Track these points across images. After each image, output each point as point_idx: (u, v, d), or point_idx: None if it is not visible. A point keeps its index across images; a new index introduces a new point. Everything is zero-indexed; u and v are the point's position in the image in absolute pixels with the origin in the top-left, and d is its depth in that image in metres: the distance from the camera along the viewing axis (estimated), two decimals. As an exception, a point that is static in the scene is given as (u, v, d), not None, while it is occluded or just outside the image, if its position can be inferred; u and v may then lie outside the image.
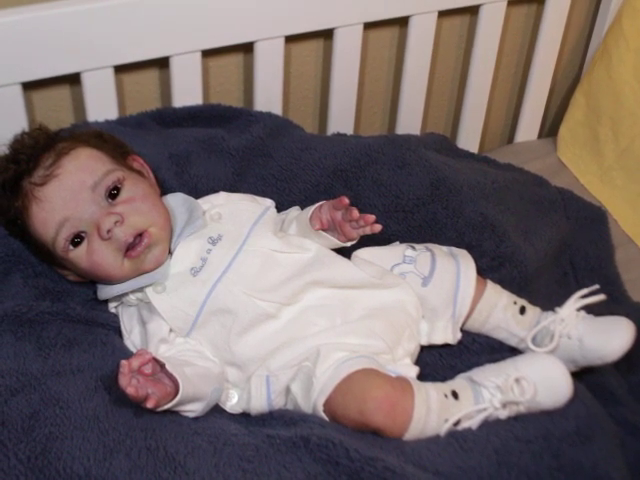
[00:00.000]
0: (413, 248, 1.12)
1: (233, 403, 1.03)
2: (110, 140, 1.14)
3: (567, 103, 1.68)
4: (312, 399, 0.97)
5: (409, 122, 1.59)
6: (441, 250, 1.14)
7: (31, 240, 1.08)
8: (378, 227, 1.07)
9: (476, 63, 1.58)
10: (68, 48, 1.21)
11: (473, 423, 0.96)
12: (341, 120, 1.52)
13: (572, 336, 1.04)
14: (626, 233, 1.48)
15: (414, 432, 0.94)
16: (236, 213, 1.12)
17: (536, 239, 1.28)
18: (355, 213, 1.05)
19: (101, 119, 1.31)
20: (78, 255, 1.04)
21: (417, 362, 1.07)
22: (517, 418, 0.97)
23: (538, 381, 0.97)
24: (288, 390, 1.01)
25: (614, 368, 1.11)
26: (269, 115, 1.36)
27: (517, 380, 0.97)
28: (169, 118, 1.34)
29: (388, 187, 1.26)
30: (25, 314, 1.02)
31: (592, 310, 1.08)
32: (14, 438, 0.88)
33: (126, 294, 1.06)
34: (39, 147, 1.07)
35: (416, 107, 1.58)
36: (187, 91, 1.36)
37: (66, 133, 1.14)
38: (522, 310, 1.10)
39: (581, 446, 0.93)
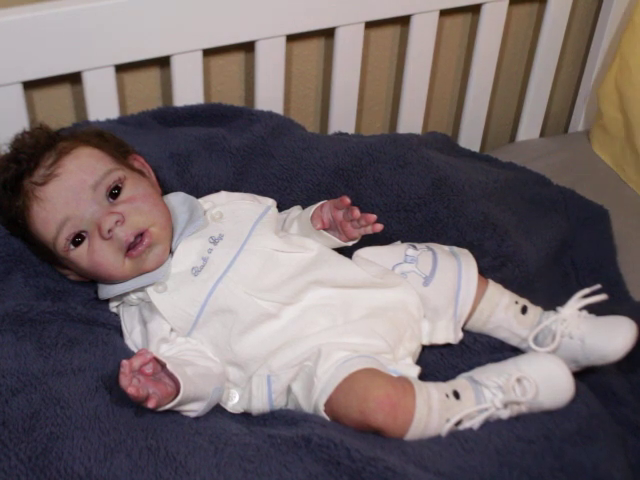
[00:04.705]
0: (414, 247, 1.12)
1: (234, 403, 1.03)
2: (111, 139, 1.13)
3: (569, 101, 1.67)
4: (313, 399, 0.97)
5: (410, 121, 1.58)
6: (442, 249, 1.14)
7: (32, 240, 1.08)
8: (379, 227, 1.07)
9: (478, 62, 1.58)
10: (69, 47, 1.21)
11: (474, 423, 0.95)
12: (342, 119, 1.52)
13: (574, 336, 1.04)
14: (629, 232, 1.47)
15: (415, 432, 0.94)
16: (237, 212, 1.11)
17: (537, 238, 1.28)
18: (356, 212, 1.05)
19: (102, 118, 1.31)
20: (79, 255, 1.04)
21: (418, 362, 1.07)
22: (519, 418, 0.96)
23: (540, 381, 0.96)
24: (289, 390, 1.01)
25: (616, 368, 1.10)
26: (270, 114, 1.36)
27: (519, 380, 0.96)
28: (170, 117, 1.34)
29: (389, 186, 1.26)
30: (26, 314, 1.02)
31: (594, 310, 1.07)
32: (15, 438, 0.88)
33: (127, 294, 1.06)
34: (40, 146, 1.07)
35: (418, 106, 1.58)
36: (188, 90, 1.36)
37: (67, 132, 1.14)
38: (524, 310, 1.09)
39: (583, 446, 0.93)
